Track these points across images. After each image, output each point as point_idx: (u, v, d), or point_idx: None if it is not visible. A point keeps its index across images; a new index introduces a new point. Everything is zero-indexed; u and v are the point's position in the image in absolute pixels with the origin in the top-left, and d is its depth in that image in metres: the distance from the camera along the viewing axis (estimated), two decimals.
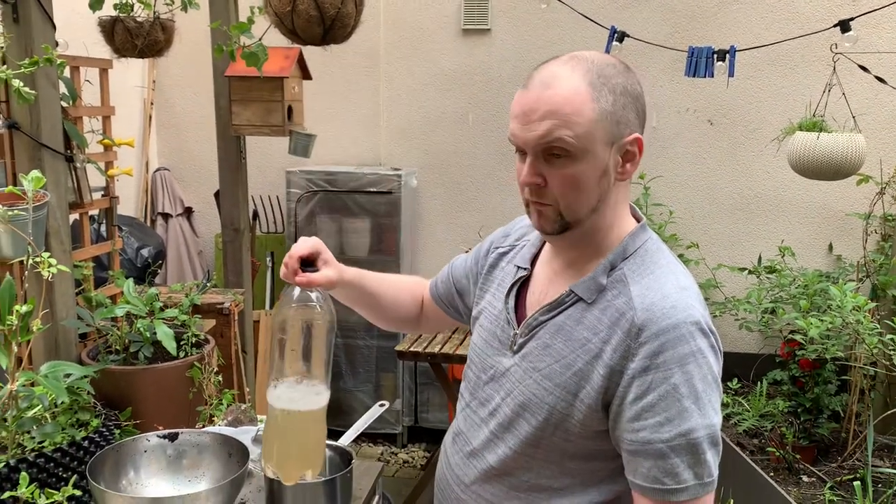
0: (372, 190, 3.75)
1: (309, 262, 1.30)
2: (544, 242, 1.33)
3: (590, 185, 1.14)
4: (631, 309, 1.13)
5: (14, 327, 1.42)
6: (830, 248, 3.81)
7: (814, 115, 2.90)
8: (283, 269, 1.30)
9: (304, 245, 1.31)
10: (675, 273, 1.18)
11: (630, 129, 1.15)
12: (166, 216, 4.19)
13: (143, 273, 3.23)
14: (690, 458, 1.08)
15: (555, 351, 1.18)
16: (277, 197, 4.20)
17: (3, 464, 1.45)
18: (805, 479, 2.87)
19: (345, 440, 1.53)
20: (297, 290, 1.27)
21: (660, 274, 1.17)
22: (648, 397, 1.09)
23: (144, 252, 3.39)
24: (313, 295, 1.27)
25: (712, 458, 1.10)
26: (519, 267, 1.33)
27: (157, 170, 4.23)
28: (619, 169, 1.16)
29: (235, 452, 1.34)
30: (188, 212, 4.31)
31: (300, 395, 1.23)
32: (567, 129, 1.10)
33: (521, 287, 1.31)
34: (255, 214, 4.11)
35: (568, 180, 1.13)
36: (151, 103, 4.19)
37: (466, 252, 1.54)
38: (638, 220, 1.25)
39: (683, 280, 1.17)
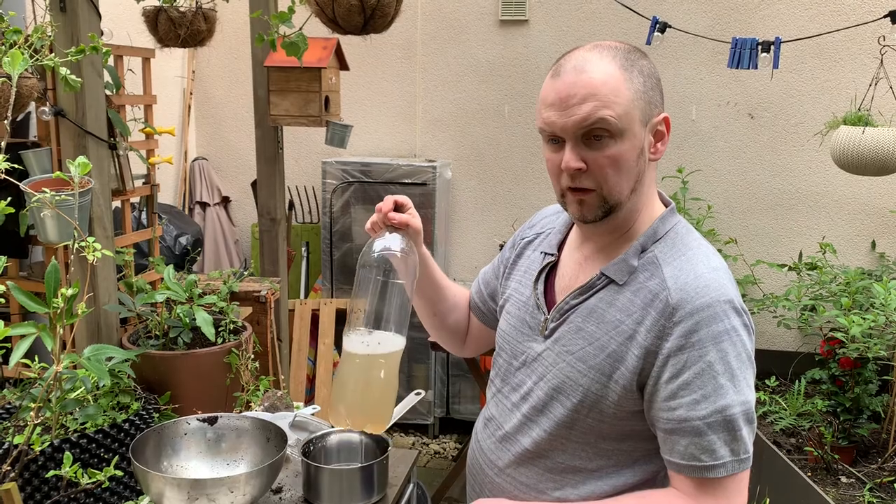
0: (406, 181, 3.76)
1: (399, 211, 1.36)
2: (570, 229, 1.34)
3: (630, 165, 1.15)
4: (664, 290, 1.14)
5: (59, 310, 1.44)
6: (873, 245, 3.73)
7: (859, 109, 2.83)
8: (372, 218, 1.35)
9: (396, 195, 1.37)
10: (707, 254, 1.19)
11: (658, 109, 1.18)
12: (204, 205, 4.24)
13: (181, 261, 3.27)
14: (727, 434, 1.09)
15: (587, 334, 1.19)
16: (313, 187, 4.23)
17: (47, 444, 1.48)
18: (844, 479, 2.82)
19: None
20: (382, 239, 1.31)
21: (691, 255, 1.18)
22: (684, 375, 1.10)
23: (182, 240, 3.43)
24: (399, 244, 1.30)
25: (748, 435, 1.11)
26: (546, 253, 1.34)
27: (196, 159, 4.28)
28: (651, 148, 1.18)
29: (274, 437, 1.36)
30: (225, 201, 4.36)
31: (379, 342, 1.25)
32: (608, 110, 1.11)
33: (549, 273, 1.32)
34: (291, 204, 4.14)
35: (611, 161, 1.14)
36: (191, 93, 4.24)
37: (500, 245, 1.54)
38: (666, 205, 1.27)
39: (715, 261, 1.19)
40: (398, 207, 1.36)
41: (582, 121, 1.12)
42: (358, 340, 1.26)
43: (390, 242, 1.31)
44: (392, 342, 1.27)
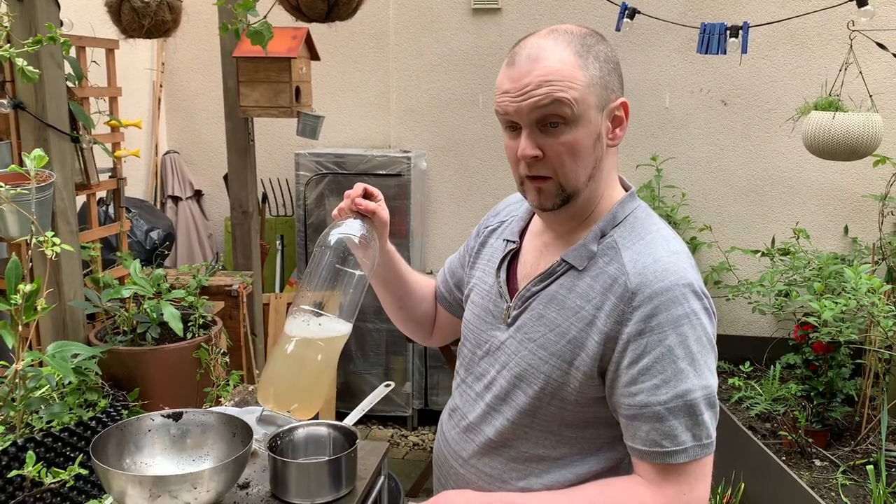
0: (381, 172, 3.73)
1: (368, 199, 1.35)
2: (532, 215, 1.33)
3: (587, 151, 1.14)
4: (623, 274, 1.13)
5: (19, 306, 1.42)
6: (846, 230, 3.76)
7: (829, 95, 2.85)
8: (341, 204, 1.35)
9: (367, 185, 1.37)
10: (666, 238, 1.18)
11: (616, 94, 1.17)
12: (176, 199, 4.19)
13: (152, 255, 3.23)
14: (688, 419, 1.08)
15: (548, 320, 1.18)
16: (287, 180, 4.19)
17: (10, 443, 1.45)
18: (818, 463, 2.85)
19: (349, 420, 1.52)
20: (345, 224, 1.30)
21: (650, 240, 1.17)
22: (644, 360, 1.09)
23: (154, 234, 3.39)
24: (359, 230, 1.29)
25: (710, 420, 1.10)
26: (508, 241, 1.33)
27: (167, 152, 4.23)
28: (609, 134, 1.17)
29: (239, 432, 1.33)
30: (198, 194, 4.31)
31: (320, 324, 1.22)
32: (563, 93, 1.10)
33: (512, 261, 1.31)
34: (265, 197, 4.10)
35: (567, 148, 1.13)
36: (161, 86, 4.18)
37: None
38: (626, 189, 1.26)
39: (674, 245, 1.18)
40: (368, 196, 1.36)
41: (535, 104, 1.11)
42: (301, 321, 1.23)
43: (351, 228, 1.30)
44: (336, 328, 1.25)
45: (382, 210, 1.36)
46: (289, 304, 3.74)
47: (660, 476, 1.10)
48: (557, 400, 1.17)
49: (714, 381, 1.11)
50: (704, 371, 1.10)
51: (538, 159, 1.14)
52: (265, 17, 2.09)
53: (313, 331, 1.23)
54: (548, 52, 1.12)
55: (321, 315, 1.23)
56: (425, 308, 1.55)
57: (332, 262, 1.25)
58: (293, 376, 1.23)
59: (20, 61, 1.58)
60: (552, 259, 1.22)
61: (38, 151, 1.43)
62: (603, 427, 1.19)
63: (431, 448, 3.78)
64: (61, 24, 1.93)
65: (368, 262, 1.30)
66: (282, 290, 4.05)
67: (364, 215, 1.34)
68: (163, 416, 1.36)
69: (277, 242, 4.08)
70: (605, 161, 1.19)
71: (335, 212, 1.36)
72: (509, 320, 1.24)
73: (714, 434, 1.11)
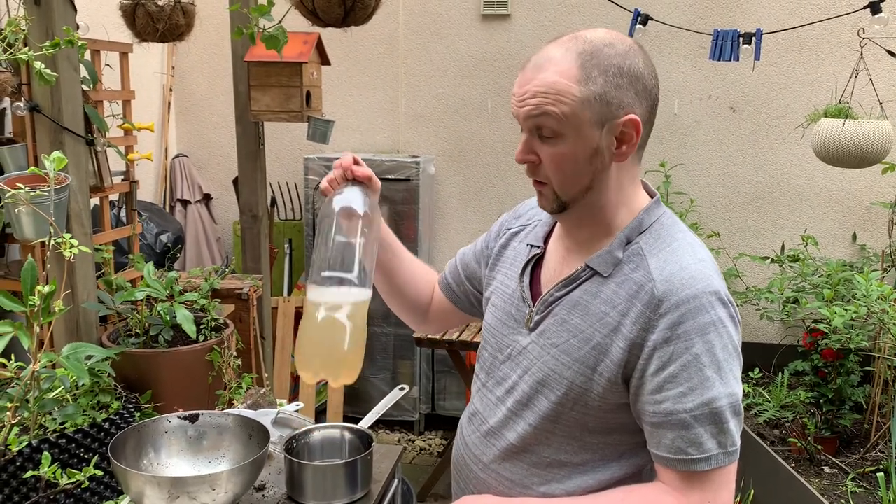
0: (390, 177, 3.74)
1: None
2: (556, 221, 1.33)
3: (579, 165, 1.15)
4: (650, 281, 1.13)
5: (36, 308, 1.42)
6: (854, 237, 3.76)
7: (839, 102, 2.85)
8: (330, 175, 1.35)
9: (352, 154, 1.37)
10: (693, 245, 1.18)
11: (625, 110, 1.14)
12: (185, 202, 4.20)
13: (162, 258, 3.24)
14: (714, 427, 1.08)
15: (572, 326, 1.18)
16: (295, 184, 4.20)
17: (25, 444, 1.45)
18: (827, 470, 2.84)
19: (364, 423, 1.53)
20: (343, 194, 1.29)
21: (677, 247, 1.17)
22: (670, 368, 1.09)
23: (163, 237, 3.40)
24: (361, 200, 1.29)
25: (735, 428, 1.10)
26: (532, 245, 1.33)
27: (176, 156, 4.24)
28: (614, 150, 1.16)
29: (256, 434, 1.34)
30: (207, 198, 4.32)
31: (345, 291, 1.21)
32: (553, 108, 1.11)
33: (535, 266, 1.31)
34: (274, 201, 4.11)
35: (556, 159, 1.15)
36: (171, 89, 4.19)
37: None
38: (651, 196, 1.25)
39: (701, 252, 1.18)
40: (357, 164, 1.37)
41: (528, 113, 1.14)
42: (324, 290, 1.22)
43: (351, 194, 1.30)
44: (359, 292, 1.23)
45: (376, 177, 1.38)
46: (297, 308, 3.73)
47: (684, 483, 1.10)
48: (580, 406, 1.17)
49: (739, 389, 1.12)
50: (730, 379, 1.10)
51: (536, 164, 1.17)
52: (280, 21, 2.09)
53: (342, 295, 1.21)
54: (551, 63, 1.13)
55: (343, 281, 1.21)
56: (418, 291, 1.54)
57: (340, 229, 1.25)
58: (335, 342, 1.19)
59: (38, 64, 1.58)
60: (576, 265, 1.22)
61: (57, 154, 1.43)
62: (625, 433, 1.18)
63: (438, 453, 3.77)
64: (77, 27, 1.94)
65: (374, 226, 1.30)
66: (290, 293, 4.06)
67: (360, 182, 1.34)
68: (180, 417, 1.37)
69: (286, 246, 4.09)
70: (616, 174, 1.18)
71: (324, 183, 1.36)
72: (532, 325, 1.24)
73: (738, 441, 1.11)
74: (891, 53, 2.79)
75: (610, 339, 1.14)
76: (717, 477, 1.09)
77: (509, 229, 1.42)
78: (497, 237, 1.43)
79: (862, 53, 2.75)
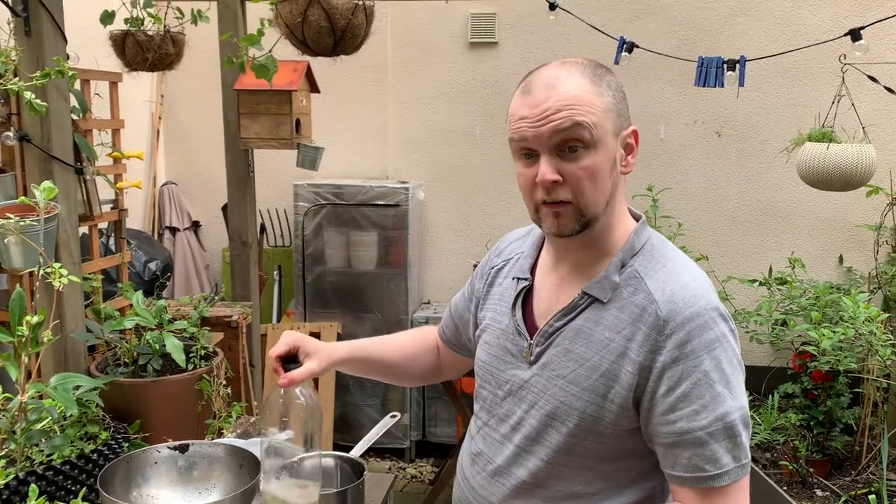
0: (379, 203, 3.75)
1: (290, 359, 1.31)
2: (539, 252, 1.33)
3: (605, 176, 1.15)
4: (652, 303, 1.13)
5: (24, 338, 1.41)
6: (841, 259, 3.79)
7: (823, 126, 2.89)
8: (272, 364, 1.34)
9: (281, 343, 1.33)
10: (686, 264, 1.20)
11: (628, 122, 1.19)
12: (174, 230, 4.19)
13: (151, 286, 3.23)
14: (728, 441, 1.09)
15: (577, 355, 1.18)
16: (285, 210, 4.20)
17: (12, 476, 1.43)
18: (819, 493, 2.84)
19: (356, 452, 1.51)
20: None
21: (672, 267, 1.18)
22: (681, 387, 1.10)
23: (152, 265, 3.39)
24: (296, 391, 1.29)
25: (746, 440, 1.12)
26: (519, 279, 1.31)
27: (165, 184, 4.24)
28: (623, 161, 1.19)
29: (246, 464, 1.33)
30: (195, 226, 4.32)
31: (289, 491, 1.26)
32: (584, 118, 1.12)
33: (525, 298, 1.30)
34: (263, 228, 4.11)
35: (587, 173, 1.13)
36: (159, 118, 4.20)
37: (475, 265, 1.52)
38: (636, 219, 1.27)
39: (695, 270, 1.19)
40: (287, 358, 1.32)
41: (556, 128, 1.11)
42: (272, 490, 1.27)
43: (289, 390, 1.30)
44: (314, 492, 1.29)
45: (306, 368, 1.31)
46: None
47: (702, 500, 1.10)
48: (593, 435, 1.16)
49: (746, 401, 1.13)
50: (738, 392, 1.12)
51: (558, 184, 1.14)
52: (270, 50, 2.11)
53: (288, 498, 1.27)
54: (564, 79, 1.14)
55: (289, 479, 1.27)
56: (421, 366, 1.55)
57: (282, 428, 1.29)
58: None
59: (28, 94, 1.59)
60: (572, 293, 1.21)
61: (47, 183, 1.43)
62: (637, 458, 1.18)
63: (430, 480, 3.74)
64: (67, 57, 1.94)
65: (312, 412, 1.30)
66: (279, 320, 4.04)
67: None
68: (169, 447, 1.36)
69: (275, 273, 4.08)
70: (619, 189, 1.20)
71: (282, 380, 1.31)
72: (532, 358, 1.23)
73: (749, 454, 1.12)
74: (872, 79, 2.83)
75: (618, 364, 1.14)
76: (734, 492, 1.10)
77: (493, 267, 1.40)
78: (482, 277, 1.42)
79: (844, 79, 2.79)
